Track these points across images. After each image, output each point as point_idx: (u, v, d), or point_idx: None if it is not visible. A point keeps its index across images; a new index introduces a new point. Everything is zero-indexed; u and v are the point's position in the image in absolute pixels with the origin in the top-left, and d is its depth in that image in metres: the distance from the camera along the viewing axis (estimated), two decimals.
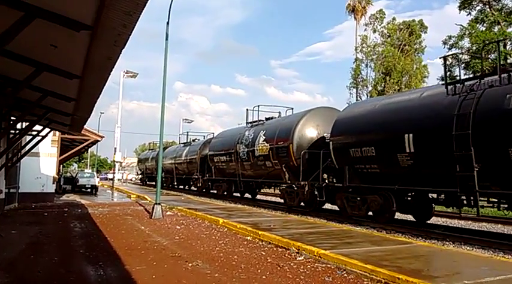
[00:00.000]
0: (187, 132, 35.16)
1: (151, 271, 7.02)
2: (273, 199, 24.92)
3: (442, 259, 7.61)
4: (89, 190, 30.82)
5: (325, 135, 16.34)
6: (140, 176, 49.58)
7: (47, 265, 7.48)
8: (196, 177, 28.07)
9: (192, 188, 32.77)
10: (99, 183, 36.51)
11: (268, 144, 18.83)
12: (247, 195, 25.16)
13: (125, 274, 6.86)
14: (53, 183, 21.60)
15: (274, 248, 9.09)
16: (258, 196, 26.44)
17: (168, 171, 34.80)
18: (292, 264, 7.59)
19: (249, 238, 10.49)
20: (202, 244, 9.71)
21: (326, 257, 7.77)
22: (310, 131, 17.19)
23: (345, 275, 6.79)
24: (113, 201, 24.29)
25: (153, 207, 14.96)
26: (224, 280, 6.52)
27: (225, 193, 24.62)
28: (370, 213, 13.47)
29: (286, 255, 8.39)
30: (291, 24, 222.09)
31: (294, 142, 16.96)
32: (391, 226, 12.45)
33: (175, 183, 35.63)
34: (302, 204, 17.22)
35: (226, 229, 12.05)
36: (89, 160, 76.95)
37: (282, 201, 19.11)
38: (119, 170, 56.18)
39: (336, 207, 16.03)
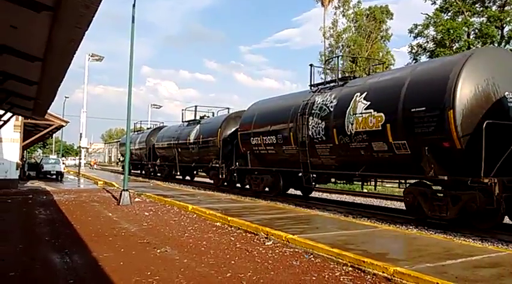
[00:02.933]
0: (196, 106, 26.54)
1: (119, 257, 6.95)
2: None
3: (405, 243, 7.84)
4: (54, 176, 30.10)
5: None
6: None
7: (11, 252, 7.30)
8: (217, 165, 20.82)
9: (205, 180, 27.48)
10: (64, 169, 35.64)
11: None
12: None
13: (92, 261, 6.77)
14: (17, 169, 20.97)
15: (244, 234, 9.14)
16: None
17: (166, 158, 28.86)
18: (260, 249, 7.66)
19: (218, 224, 10.51)
20: (171, 230, 9.67)
21: (294, 242, 7.88)
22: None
23: (312, 259, 6.91)
24: (80, 187, 23.84)
25: (121, 193, 14.75)
26: (193, 265, 6.53)
27: (269, 189, 17.48)
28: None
29: (255, 240, 8.46)
30: (259, 10, 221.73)
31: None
32: (358, 211, 12.72)
33: (178, 173, 27.54)
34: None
35: (195, 215, 12.03)
36: (53, 146, 75.02)
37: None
38: (85, 156, 54.91)
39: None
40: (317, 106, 13.92)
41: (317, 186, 17.50)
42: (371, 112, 11.61)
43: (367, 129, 11.66)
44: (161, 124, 36.82)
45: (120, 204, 14.38)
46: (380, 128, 11.23)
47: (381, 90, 11.84)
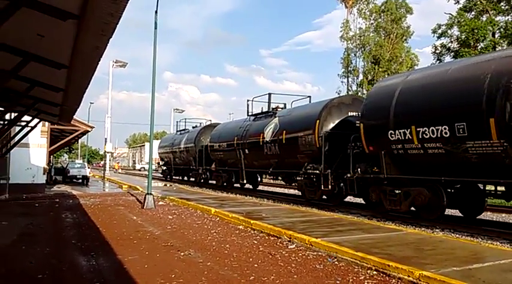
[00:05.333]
0: (269, 94, 20.42)
1: (143, 260, 7.03)
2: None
3: (431, 246, 7.70)
4: (80, 180, 30.65)
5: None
6: (163, 168, 36.84)
7: (38, 255, 7.46)
8: (316, 171, 15.05)
9: (276, 189, 23.94)
10: (90, 173, 36.28)
11: None
12: None
13: (117, 263, 6.87)
14: (44, 174, 21.42)
15: (266, 237, 9.14)
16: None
17: (223, 162, 23.22)
18: (283, 252, 7.64)
19: (241, 227, 10.53)
20: (194, 233, 9.73)
21: (317, 245, 7.83)
22: None
23: (336, 262, 6.86)
24: (105, 191, 24.21)
25: (145, 197, 14.93)
26: (216, 268, 6.56)
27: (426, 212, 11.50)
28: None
29: (278, 244, 8.45)
30: (279, 13, 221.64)
31: None
32: (382, 214, 12.57)
33: (243, 180, 21.17)
34: None
35: (218, 219, 12.08)
36: (79, 150, 76.43)
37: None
38: (110, 160, 55.73)
39: None
40: None
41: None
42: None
43: None
44: (208, 122, 30.44)
45: (145, 207, 14.56)
46: None
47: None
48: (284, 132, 17.03)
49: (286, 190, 23.87)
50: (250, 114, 21.29)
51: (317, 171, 14.85)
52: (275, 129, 17.73)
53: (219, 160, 23.67)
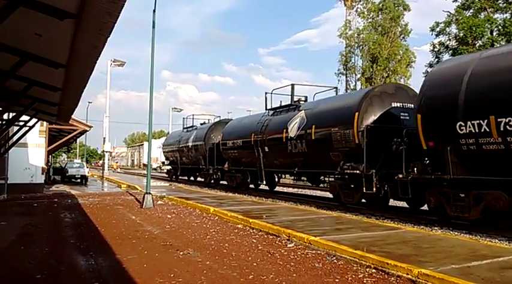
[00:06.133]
0: (292, 85, 18.40)
1: (142, 260, 7.03)
2: None
3: (430, 244, 7.71)
4: (78, 180, 30.63)
5: None
6: (168, 167, 35.10)
7: (37, 255, 7.45)
8: (358, 172, 13.02)
9: (289, 190, 22.17)
10: (88, 173, 36.26)
11: None
12: None
13: (116, 263, 6.87)
14: (42, 174, 21.40)
15: (265, 236, 9.14)
16: None
17: (237, 161, 21.44)
18: (282, 251, 7.65)
19: (239, 226, 10.53)
20: (193, 232, 9.73)
21: (316, 244, 7.84)
22: None
23: (335, 261, 6.87)
24: (103, 190, 24.19)
25: (144, 197, 14.92)
26: (215, 267, 6.56)
27: None
28: None
29: (277, 242, 8.45)
30: (277, 12, 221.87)
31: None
32: (381, 212, 12.58)
33: (263, 181, 19.54)
34: None
35: (217, 218, 12.08)
36: (78, 150, 76.44)
37: None
38: (108, 160, 55.67)
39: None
40: None
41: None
42: None
43: None
44: (217, 119, 28.56)
45: (143, 207, 14.54)
46: None
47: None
48: (313, 126, 15.06)
49: (306, 191, 22.36)
50: (269, 108, 19.27)
51: (357, 171, 12.95)
52: (301, 123, 15.85)
53: (233, 159, 21.79)
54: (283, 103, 18.54)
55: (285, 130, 16.71)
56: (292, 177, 19.28)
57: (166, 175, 35.97)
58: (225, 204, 14.62)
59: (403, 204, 14.21)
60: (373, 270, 6.24)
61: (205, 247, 8.11)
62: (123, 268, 6.50)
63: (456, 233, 9.65)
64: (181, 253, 7.58)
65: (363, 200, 13.76)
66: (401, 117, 12.58)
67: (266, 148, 18.21)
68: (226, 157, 22.39)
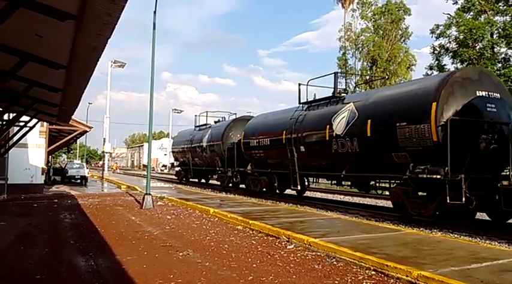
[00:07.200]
0: (336, 73, 16.33)
1: (142, 260, 7.03)
2: None
3: (429, 247, 7.71)
4: (78, 181, 30.62)
5: None
6: (178, 169, 32.94)
7: (37, 256, 7.45)
8: (439, 177, 10.41)
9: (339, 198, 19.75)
10: (88, 173, 36.21)
11: None
12: None
13: (116, 264, 6.87)
14: (42, 174, 21.41)
15: (265, 237, 9.14)
16: None
17: (262, 162, 19.29)
18: (282, 252, 7.65)
19: (239, 227, 10.53)
20: (193, 233, 9.73)
21: (316, 246, 7.84)
22: None
23: (335, 262, 6.87)
24: (103, 191, 24.19)
25: (144, 197, 14.92)
26: (215, 268, 6.56)
27: None
28: None
29: (277, 244, 8.45)
30: (278, 14, 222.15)
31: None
32: (381, 214, 12.56)
33: (297, 186, 16.99)
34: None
35: (217, 219, 12.08)
36: (78, 151, 76.39)
37: None
38: (109, 161, 55.62)
39: None
40: None
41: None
42: None
43: None
44: (232, 116, 26.04)
45: (143, 207, 14.54)
46: None
47: None
48: (369, 122, 12.58)
49: (336, 197, 20.54)
50: (303, 101, 16.94)
51: (437, 176, 10.31)
52: (350, 118, 13.43)
53: (257, 160, 19.45)
54: (317, 97, 16.43)
55: (328, 127, 14.39)
56: (330, 182, 16.88)
57: (176, 177, 33.86)
58: (225, 205, 14.62)
59: (482, 216, 11.92)
60: (373, 272, 6.23)
61: (205, 248, 8.11)
62: (123, 269, 6.50)
63: (456, 235, 9.64)
64: (181, 254, 7.58)
65: (437, 212, 11.20)
66: (488, 109, 10.69)
67: (302, 148, 15.90)
68: (249, 158, 20.19)
